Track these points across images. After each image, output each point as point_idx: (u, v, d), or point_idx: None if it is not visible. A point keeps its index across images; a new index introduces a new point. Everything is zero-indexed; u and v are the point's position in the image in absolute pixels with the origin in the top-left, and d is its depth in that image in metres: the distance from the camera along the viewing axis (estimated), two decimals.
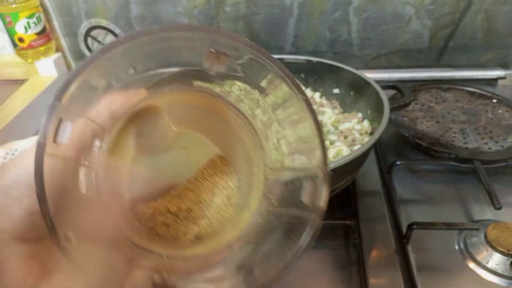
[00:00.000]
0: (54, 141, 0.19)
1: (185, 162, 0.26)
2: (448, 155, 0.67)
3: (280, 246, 0.25)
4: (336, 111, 0.71)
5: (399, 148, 0.72)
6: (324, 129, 0.66)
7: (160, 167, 0.25)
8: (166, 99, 0.24)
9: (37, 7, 0.89)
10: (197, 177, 0.25)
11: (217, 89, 0.26)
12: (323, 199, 0.25)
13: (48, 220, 0.18)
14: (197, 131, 0.26)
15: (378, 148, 0.71)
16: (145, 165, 0.25)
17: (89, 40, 0.96)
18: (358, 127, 0.64)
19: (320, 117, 0.68)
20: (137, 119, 0.23)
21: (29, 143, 0.71)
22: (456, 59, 0.90)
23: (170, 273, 0.22)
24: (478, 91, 0.81)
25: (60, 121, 0.20)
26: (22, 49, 0.92)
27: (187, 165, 0.26)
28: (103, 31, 0.94)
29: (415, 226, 0.52)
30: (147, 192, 0.25)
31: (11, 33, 0.89)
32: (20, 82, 0.99)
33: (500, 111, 0.75)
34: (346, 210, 0.60)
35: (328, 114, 0.69)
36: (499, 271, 0.48)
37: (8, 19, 0.87)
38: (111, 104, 0.22)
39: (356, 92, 0.69)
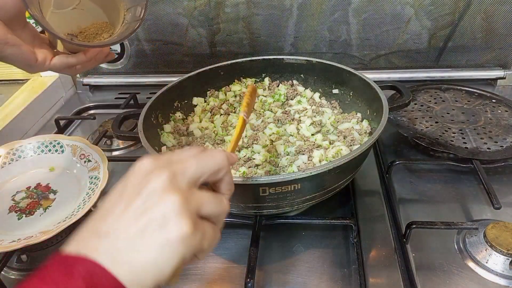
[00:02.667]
0: None
1: (83, 17, 0.53)
2: (447, 155, 0.67)
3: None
4: (336, 111, 0.71)
5: (398, 148, 0.73)
6: (324, 129, 0.67)
7: (66, 18, 0.52)
8: None
9: None
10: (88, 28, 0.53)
11: None
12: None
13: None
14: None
15: (377, 148, 0.72)
16: (57, 15, 0.50)
17: None
18: (357, 127, 0.64)
19: (319, 117, 0.69)
20: None
21: (29, 143, 0.71)
22: (455, 59, 0.90)
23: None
24: (477, 91, 0.81)
25: None
26: None
27: (83, 19, 0.53)
28: None
29: (414, 226, 0.52)
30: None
31: None
32: (20, 82, 0.99)
33: (499, 111, 0.75)
34: (346, 209, 0.60)
35: (328, 114, 0.70)
36: (498, 271, 0.48)
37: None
38: None
39: (356, 93, 0.69)
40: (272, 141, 0.63)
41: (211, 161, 0.32)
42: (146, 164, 0.30)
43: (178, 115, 0.71)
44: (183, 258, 0.27)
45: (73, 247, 0.27)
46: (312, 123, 0.67)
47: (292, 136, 0.65)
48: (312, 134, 0.65)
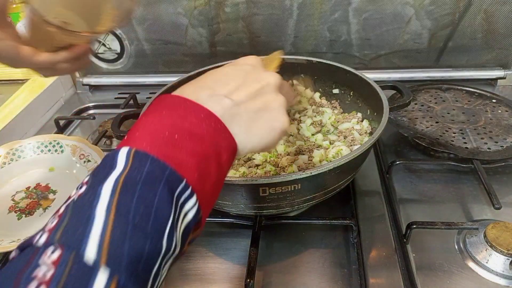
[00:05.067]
0: None
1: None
2: (447, 155, 0.67)
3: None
4: (336, 111, 0.71)
5: (399, 148, 0.72)
6: (324, 129, 0.67)
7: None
8: None
9: None
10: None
11: None
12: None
13: None
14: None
15: (377, 148, 0.71)
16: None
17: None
18: (357, 127, 0.64)
19: (319, 117, 0.69)
20: None
21: (29, 143, 0.71)
22: (455, 59, 0.90)
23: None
24: (478, 91, 0.81)
25: None
26: None
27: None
28: None
29: (414, 226, 0.52)
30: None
31: None
32: (20, 82, 0.99)
33: (499, 111, 0.75)
34: (346, 209, 0.60)
35: (328, 114, 0.70)
36: (498, 271, 0.48)
37: (8, 19, 0.87)
38: None
39: (356, 92, 0.69)
40: None
41: (293, 96, 0.41)
42: (259, 61, 0.37)
43: None
44: (272, 142, 0.33)
45: (192, 96, 0.30)
46: (312, 123, 0.66)
47: (292, 136, 0.65)
48: (312, 134, 0.65)
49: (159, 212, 0.24)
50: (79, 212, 0.23)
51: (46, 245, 0.22)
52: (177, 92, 0.32)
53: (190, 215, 0.26)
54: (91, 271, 0.21)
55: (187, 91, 0.32)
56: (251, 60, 0.37)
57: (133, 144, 0.26)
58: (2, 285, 0.20)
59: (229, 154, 0.30)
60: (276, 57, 0.50)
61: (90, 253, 0.21)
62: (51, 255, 0.21)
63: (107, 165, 0.25)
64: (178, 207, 0.25)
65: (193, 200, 0.26)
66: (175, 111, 0.29)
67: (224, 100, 0.31)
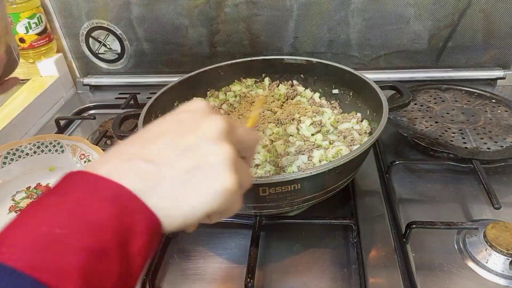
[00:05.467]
0: None
1: None
2: (447, 155, 0.67)
3: None
4: (336, 111, 0.71)
5: (398, 148, 0.73)
6: (324, 129, 0.67)
7: None
8: None
9: (38, 7, 0.90)
10: None
11: None
12: None
13: None
14: None
15: (377, 148, 0.72)
16: None
17: (90, 40, 0.97)
18: (357, 127, 0.64)
19: (319, 117, 0.69)
20: None
21: (29, 143, 0.71)
22: (455, 59, 0.90)
23: None
24: (477, 91, 0.81)
25: None
26: (23, 49, 0.92)
27: None
28: (104, 32, 0.95)
29: (414, 226, 0.52)
30: None
31: None
32: (21, 82, 0.99)
33: (499, 111, 0.75)
34: (346, 209, 0.60)
35: (328, 114, 0.70)
36: (498, 271, 0.48)
37: (9, 20, 0.87)
38: None
39: (356, 93, 0.69)
40: (272, 141, 0.63)
41: (255, 140, 0.33)
42: (204, 106, 0.29)
43: None
44: (218, 208, 0.26)
45: (102, 170, 0.24)
46: (312, 123, 0.67)
47: (292, 136, 0.65)
48: (312, 134, 0.65)
49: None
50: None
51: None
52: (103, 156, 0.27)
53: None
54: None
55: (108, 157, 0.26)
56: (194, 105, 0.30)
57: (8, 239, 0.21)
58: None
59: (148, 235, 0.23)
60: (258, 103, 0.45)
61: None
62: None
63: None
64: None
65: None
66: (74, 193, 0.23)
67: (142, 167, 0.25)
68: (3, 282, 0.18)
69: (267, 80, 0.77)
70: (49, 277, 0.19)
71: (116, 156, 0.26)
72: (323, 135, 0.64)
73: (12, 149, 0.70)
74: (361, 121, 0.66)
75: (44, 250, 0.20)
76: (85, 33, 0.96)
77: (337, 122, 0.67)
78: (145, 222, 0.23)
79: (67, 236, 0.20)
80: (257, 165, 0.58)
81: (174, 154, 0.26)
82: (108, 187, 0.23)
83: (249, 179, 0.30)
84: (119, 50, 0.97)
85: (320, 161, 0.57)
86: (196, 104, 0.30)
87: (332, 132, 0.66)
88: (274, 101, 0.73)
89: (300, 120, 0.68)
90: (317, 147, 0.60)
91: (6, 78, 0.53)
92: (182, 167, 0.25)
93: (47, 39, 0.94)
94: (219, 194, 0.26)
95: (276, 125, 0.67)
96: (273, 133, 0.65)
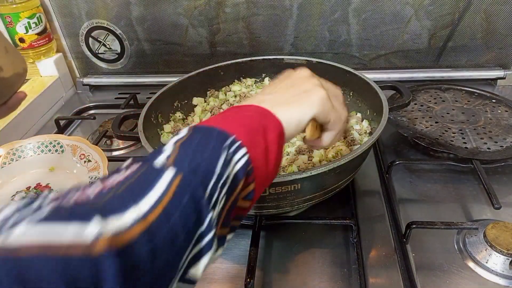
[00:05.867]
0: None
1: None
2: (447, 155, 0.67)
3: None
4: None
5: (398, 148, 0.73)
6: None
7: None
8: None
9: (37, 7, 0.90)
10: None
11: None
12: None
13: None
14: None
15: (377, 148, 0.72)
16: None
17: (90, 40, 0.97)
18: (357, 127, 0.64)
19: None
20: None
21: (29, 143, 0.71)
22: (455, 59, 0.90)
23: None
24: (477, 91, 0.81)
25: None
26: (23, 49, 0.92)
27: None
28: (104, 32, 0.95)
29: (414, 226, 0.52)
30: None
31: (11, 34, 0.90)
32: None
33: (499, 111, 0.75)
34: (346, 209, 0.60)
35: None
36: (498, 271, 0.48)
37: (8, 19, 0.87)
38: None
39: (356, 93, 0.69)
40: None
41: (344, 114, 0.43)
42: (308, 72, 0.42)
43: (178, 115, 0.71)
44: (318, 114, 0.38)
45: (249, 103, 0.37)
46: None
47: None
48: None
49: (212, 151, 0.30)
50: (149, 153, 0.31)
51: (127, 166, 0.28)
52: (247, 100, 0.40)
53: (240, 164, 0.31)
54: (159, 172, 0.26)
55: (248, 100, 0.39)
56: (300, 73, 0.42)
57: (195, 125, 0.33)
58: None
59: (276, 133, 0.35)
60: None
61: (159, 161, 0.27)
62: (130, 166, 0.27)
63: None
64: (230, 154, 0.30)
65: (242, 151, 0.31)
66: (235, 108, 0.37)
67: (267, 96, 0.38)
68: (203, 131, 0.32)
69: (267, 80, 0.77)
70: (227, 129, 0.32)
71: (254, 98, 0.39)
72: None
73: (12, 149, 0.70)
74: (361, 121, 0.66)
75: (222, 121, 0.33)
76: (84, 33, 0.95)
77: None
78: (273, 123, 0.35)
79: (234, 118, 0.34)
80: None
81: (283, 90, 0.39)
82: (252, 106, 0.36)
83: (344, 112, 0.42)
84: (119, 50, 0.97)
85: (320, 161, 0.57)
86: (303, 72, 0.42)
87: None
88: None
89: None
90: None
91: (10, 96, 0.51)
92: (291, 91, 0.39)
93: (46, 39, 0.94)
94: (317, 102, 0.38)
95: None
96: None
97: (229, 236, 0.33)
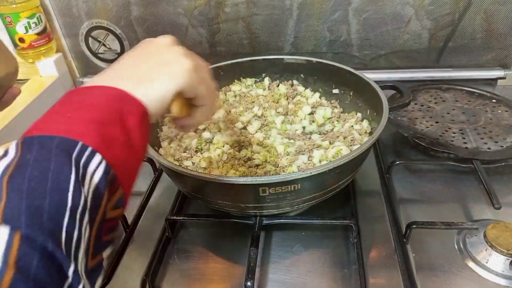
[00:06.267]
0: None
1: None
2: (447, 155, 0.67)
3: None
4: (336, 111, 0.71)
5: (399, 148, 0.72)
6: (317, 124, 0.68)
7: None
8: None
9: (37, 7, 0.90)
10: None
11: None
12: None
13: None
14: None
15: (377, 148, 0.71)
16: None
17: (90, 40, 0.96)
18: (357, 127, 0.64)
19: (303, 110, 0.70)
20: None
21: None
22: (455, 59, 0.90)
23: None
24: (478, 91, 0.81)
25: None
26: (23, 49, 0.92)
27: None
28: (103, 32, 0.95)
29: (414, 226, 0.52)
30: None
31: (11, 33, 0.90)
32: (20, 82, 0.99)
33: (499, 111, 0.75)
34: (346, 209, 0.60)
35: (328, 114, 0.70)
36: (498, 271, 0.48)
37: (8, 19, 0.87)
38: None
39: (356, 92, 0.69)
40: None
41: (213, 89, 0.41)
42: (169, 40, 0.38)
43: None
44: (184, 87, 0.34)
45: (96, 83, 0.32)
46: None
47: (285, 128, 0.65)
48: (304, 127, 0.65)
49: (56, 173, 0.24)
50: None
51: None
52: (91, 80, 0.34)
53: (98, 175, 0.26)
54: None
55: (95, 78, 0.34)
56: (160, 40, 0.39)
57: (24, 134, 0.27)
58: None
59: (138, 116, 0.30)
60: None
61: None
62: None
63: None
64: (81, 167, 0.25)
65: (97, 158, 0.26)
66: (78, 95, 0.30)
67: (120, 72, 0.34)
68: (37, 145, 0.25)
69: (267, 80, 0.77)
70: (71, 134, 0.26)
71: (101, 76, 0.33)
72: (318, 128, 0.65)
73: None
74: (361, 121, 0.66)
75: (61, 123, 0.27)
76: (84, 32, 0.95)
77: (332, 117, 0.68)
78: (132, 105, 0.31)
79: (78, 113, 0.28)
80: (257, 165, 0.58)
81: (143, 60, 0.35)
82: (103, 88, 0.31)
83: (214, 83, 0.40)
84: (118, 50, 0.97)
85: (320, 161, 0.57)
86: (162, 38, 0.38)
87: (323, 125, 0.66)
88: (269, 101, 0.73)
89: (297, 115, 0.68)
90: (317, 147, 0.60)
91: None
92: (150, 63, 0.34)
93: (46, 39, 0.94)
94: (181, 73, 0.34)
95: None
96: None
97: (105, 255, 0.28)
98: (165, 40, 0.37)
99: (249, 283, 0.45)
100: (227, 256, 0.54)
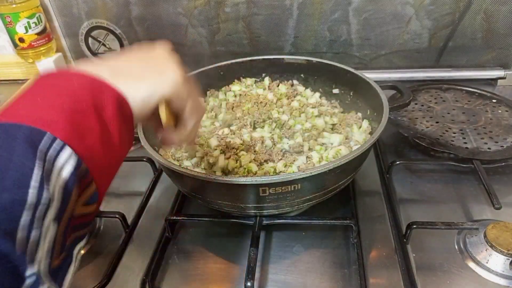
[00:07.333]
0: None
1: None
2: (447, 155, 0.67)
3: None
4: (336, 111, 0.71)
5: (399, 148, 0.72)
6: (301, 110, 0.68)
7: None
8: None
9: (37, 7, 0.90)
10: None
11: None
12: None
13: None
14: None
15: (377, 148, 0.71)
16: None
17: (90, 40, 0.96)
18: (357, 127, 0.64)
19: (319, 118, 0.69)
20: None
21: None
22: (455, 59, 0.90)
23: None
24: (478, 91, 0.81)
25: None
26: (23, 49, 0.92)
27: None
28: (103, 32, 0.95)
29: (414, 226, 0.52)
30: None
31: (11, 33, 0.90)
32: (20, 82, 0.99)
33: (499, 111, 0.75)
34: (346, 209, 0.60)
35: (328, 114, 0.70)
36: (498, 271, 0.48)
37: (8, 19, 0.87)
38: None
39: (356, 92, 0.69)
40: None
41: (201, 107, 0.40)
42: (167, 48, 0.37)
43: None
44: (172, 96, 0.33)
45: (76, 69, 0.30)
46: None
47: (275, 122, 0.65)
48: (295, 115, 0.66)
49: (17, 166, 0.22)
50: None
51: None
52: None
53: (67, 169, 0.24)
54: None
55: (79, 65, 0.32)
56: (157, 51, 0.37)
57: None
58: None
59: (116, 106, 0.28)
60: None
61: None
62: None
63: None
64: (47, 160, 0.23)
65: (66, 151, 0.24)
66: (52, 79, 0.28)
67: (108, 62, 0.32)
68: (17, 131, 0.23)
69: (267, 80, 0.77)
70: (37, 124, 0.24)
71: (86, 63, 0.32)
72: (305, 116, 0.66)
73: None
74: (362, 121, 0.66)
75: (29, 110, 0.25)
76: (84, 32, 0.95)
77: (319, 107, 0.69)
78: (111, 96, 0.29)
79: (48, 101, 0.26)
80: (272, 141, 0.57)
81: (137, 60, 0.34)
82: (79, 75, 0.29)
83: (203, 103, 0.38)
84: (118, 50, 0.97)
85: (320, 161, 0.57)
86: (160, 48, 0.37)
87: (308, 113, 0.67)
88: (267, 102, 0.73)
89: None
90: (320, 144, 0.60)
91: None
92: (143, 65, 0.33)
93: (46, 38, 0.94)
94: (172, 82, 0.33)
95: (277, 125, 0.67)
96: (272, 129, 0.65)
97: (77, 249, 0.27)
98: (163, 48, 0.36)
99: (249, 283, 0.45)
100: (227, 256, 0.54)
